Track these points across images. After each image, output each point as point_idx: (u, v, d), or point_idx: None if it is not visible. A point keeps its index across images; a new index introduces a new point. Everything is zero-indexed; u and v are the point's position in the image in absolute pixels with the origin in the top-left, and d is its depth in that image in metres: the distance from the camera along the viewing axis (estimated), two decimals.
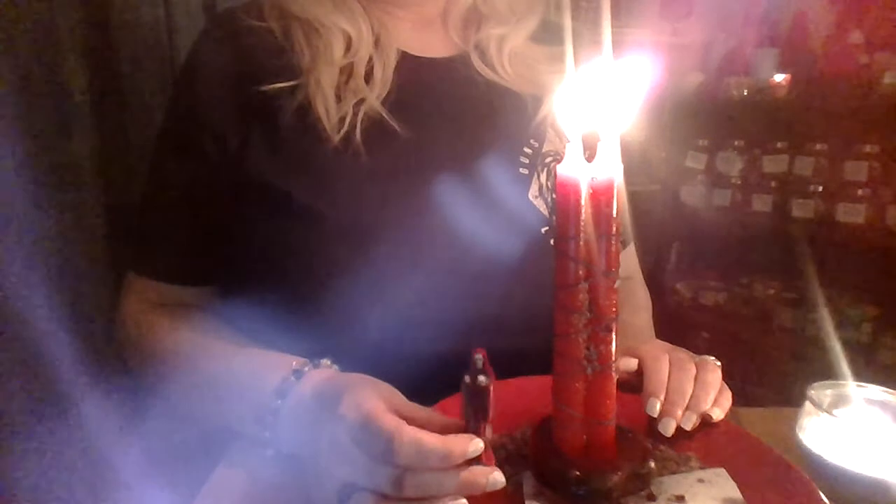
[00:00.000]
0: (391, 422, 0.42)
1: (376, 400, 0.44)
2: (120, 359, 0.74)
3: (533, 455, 0.47)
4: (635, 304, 0.81)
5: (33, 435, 0.88)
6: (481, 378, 0.41)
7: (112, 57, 1.02)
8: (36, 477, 0.88)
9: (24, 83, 0.92)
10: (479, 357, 0.42)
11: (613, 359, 0.43)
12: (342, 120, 0.64)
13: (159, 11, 1.05)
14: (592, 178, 0.41)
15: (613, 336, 0.43)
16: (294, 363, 0.55)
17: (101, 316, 1.00)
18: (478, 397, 0.41)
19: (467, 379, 0.41)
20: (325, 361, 0.56)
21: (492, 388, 0.41)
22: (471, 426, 0.42)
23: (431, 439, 0.40)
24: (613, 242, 0.42)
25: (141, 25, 1.03)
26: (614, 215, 0.42)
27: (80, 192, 1.00)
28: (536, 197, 0.69)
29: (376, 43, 0.69)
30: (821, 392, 0.54)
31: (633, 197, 0.69)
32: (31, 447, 0.88)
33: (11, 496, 0.85)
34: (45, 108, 0.95)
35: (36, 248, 0.90)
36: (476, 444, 0.41)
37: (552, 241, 0.68)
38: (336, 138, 0.63)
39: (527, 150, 0.71)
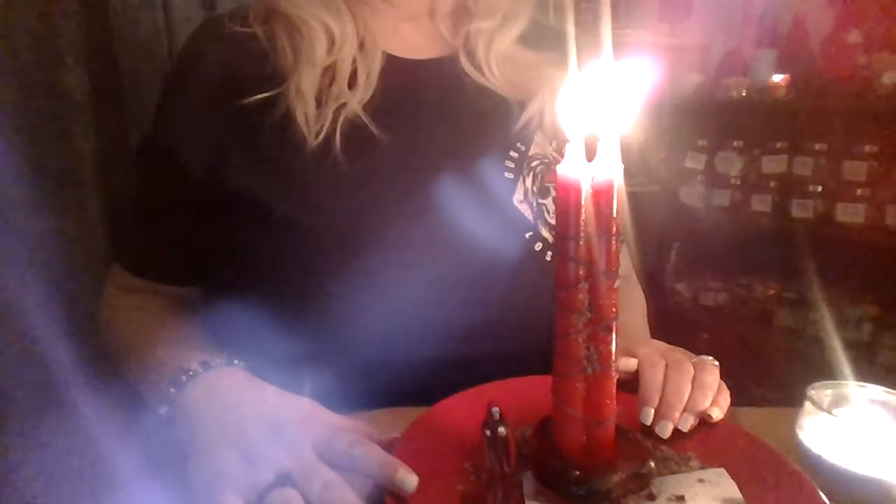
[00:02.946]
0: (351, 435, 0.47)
1: (337, 418, 0.50)
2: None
3: (533, 455, 0.47)
4: (630, 304, 0.80)
5: (33, 435, 0.88)
6: (501, 429, 0.45)
7: (112, 58, 1.02)
8: (37, 477, 0.88)
9: (24, 84, 0.92)
10: (496, 409, 0.46)
11: (613, 359, 0.44)
12: (322, 126, 0.63)
13: (158, 13, 1.05)
14: (592, 179, 0.41)
15: (613, 336, 0.43)
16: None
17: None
18: (500, 446, 0.44)
19: (488, 432, 0.45)
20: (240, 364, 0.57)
21: (510, 435, 0.45)
22: (496, 471, 0.44)
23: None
24: (614, 242, 0.42)
25: (140, 27, 1.03)
26: (614, 215, 0.42)
27: (80, 193, 1.00)
28: (521, 202, 0.67)
29: (361, 46, 0.68)
30: (821, 392, 0.54)
31: (633, 198, 0.68)
32: (32, 447, 0.88)
33: (12, 496, 0.85)
34: (45, 108, 0.95)
35: (36, 248, 0.90)
36: (412, 479, 0.43)
37: (536, 247, 0.67)
38: (315, 144, 0.62)
39: (513, 153, 0.69)
